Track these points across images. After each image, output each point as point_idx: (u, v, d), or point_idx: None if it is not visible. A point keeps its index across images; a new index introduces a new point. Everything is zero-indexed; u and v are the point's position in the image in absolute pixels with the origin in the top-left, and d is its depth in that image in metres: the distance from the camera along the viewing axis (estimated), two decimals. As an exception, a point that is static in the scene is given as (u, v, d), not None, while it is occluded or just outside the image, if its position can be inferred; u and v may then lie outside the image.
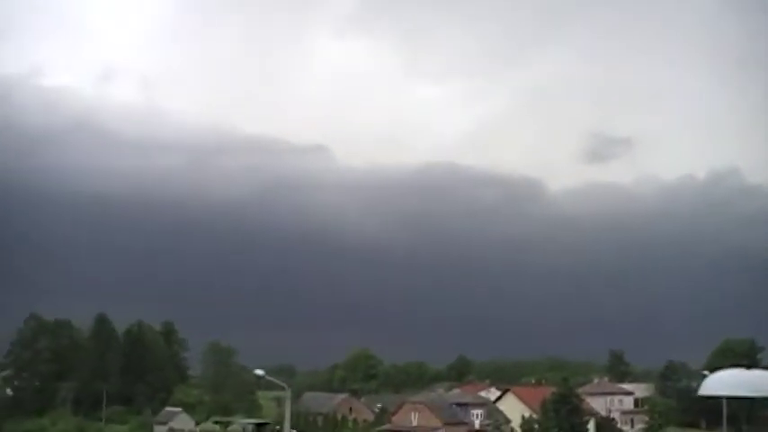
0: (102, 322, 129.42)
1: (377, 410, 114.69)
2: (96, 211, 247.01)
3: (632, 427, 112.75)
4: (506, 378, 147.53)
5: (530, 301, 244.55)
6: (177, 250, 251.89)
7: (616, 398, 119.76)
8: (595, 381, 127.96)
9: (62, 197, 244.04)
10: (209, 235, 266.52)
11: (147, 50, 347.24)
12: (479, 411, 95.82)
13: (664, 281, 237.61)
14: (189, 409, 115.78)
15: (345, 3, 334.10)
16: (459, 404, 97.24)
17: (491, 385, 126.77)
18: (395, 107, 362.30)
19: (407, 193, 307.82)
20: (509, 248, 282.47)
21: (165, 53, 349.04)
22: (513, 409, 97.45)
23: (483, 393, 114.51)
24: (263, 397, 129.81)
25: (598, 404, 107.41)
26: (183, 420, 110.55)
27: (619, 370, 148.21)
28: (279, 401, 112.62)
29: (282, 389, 54.70)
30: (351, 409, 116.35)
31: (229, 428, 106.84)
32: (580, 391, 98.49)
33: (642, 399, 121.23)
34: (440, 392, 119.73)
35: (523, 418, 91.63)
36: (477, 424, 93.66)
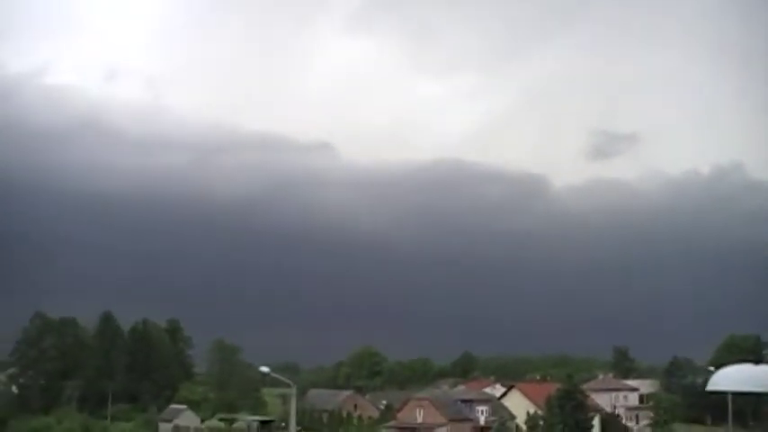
0: (107, 320, 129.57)
1: (382, 407, 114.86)
2: (101, 209, 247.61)
3: (637, 423, 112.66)
4: (511, 374, 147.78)
5: (534, 298, 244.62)
6: (182, 248, 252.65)
7: (621, 394, 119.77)
8: (600, 377, 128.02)
9: (66, 195, 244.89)
10: (213, 233, 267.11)
11: (151, 49, 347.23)
12: (484, 408, 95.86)
13: (668, 277, 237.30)
14: (194, 406, 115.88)
15: (350, 0, 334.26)
16: (463, 401, 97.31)
17: (496, 382, 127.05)
18: (399, 104, 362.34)
19: (412, 191, 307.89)
20: (514, 245, 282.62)
21: (170, 52, 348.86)
22: (518, 405, 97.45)
23: (488, 390, 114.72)
24: (268, 394, 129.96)
25: (603, 400, 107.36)
26: (189, 417, 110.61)
27: (623, 366, 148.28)
28: (284, 399, 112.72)
29: (287, 386, 54.72)
30: (356, 405, 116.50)
31: (234, 425, 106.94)
32: (585, 387, 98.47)
33: (647, 395, 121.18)
34: (444, 389, 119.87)
35: (528, 414, 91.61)
36: (482, 420, 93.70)
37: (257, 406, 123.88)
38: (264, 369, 46.94)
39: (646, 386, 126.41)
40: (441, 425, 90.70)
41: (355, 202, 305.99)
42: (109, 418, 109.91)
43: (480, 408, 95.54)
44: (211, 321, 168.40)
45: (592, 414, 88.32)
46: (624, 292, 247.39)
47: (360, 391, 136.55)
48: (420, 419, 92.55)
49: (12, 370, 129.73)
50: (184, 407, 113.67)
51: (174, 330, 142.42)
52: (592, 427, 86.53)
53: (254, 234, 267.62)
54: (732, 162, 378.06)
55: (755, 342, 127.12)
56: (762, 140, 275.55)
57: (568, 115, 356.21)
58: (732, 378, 15.62)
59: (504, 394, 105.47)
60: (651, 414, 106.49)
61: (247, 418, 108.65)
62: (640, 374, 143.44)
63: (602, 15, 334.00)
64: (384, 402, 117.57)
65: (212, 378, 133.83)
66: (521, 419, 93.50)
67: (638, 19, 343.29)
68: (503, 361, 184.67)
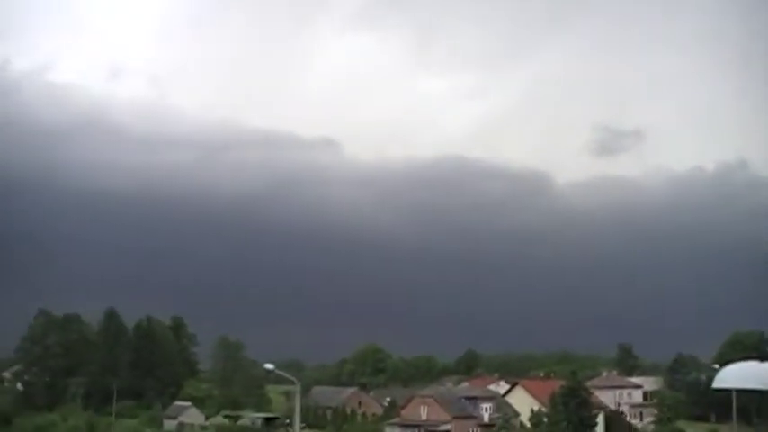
0: (111, 317, 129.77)
1: (386, 404, 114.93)
2: (104, 206, 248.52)
3: (641, 420, 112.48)
4: (515, 371, 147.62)
5: (538, 295, 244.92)
6: (186, 246, 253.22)
7: (625, 391, 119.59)
8: (604, 374, 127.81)
9: (70, 193, 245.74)
10: (217, 230, 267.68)
11: (155, 47, 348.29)
12: (488, 405, 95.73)
13: (672, 273, 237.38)
14: (198, 403, 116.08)
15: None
16: (468, 398, 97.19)
17: (500, 379, 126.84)
18: (402, 101, 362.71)
19: (415, 187, 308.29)
20: (517, 242, 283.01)
21: (174, 49, 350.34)
22: (522, 402, 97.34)
23: (492, 387, 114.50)
24: (273, 391, 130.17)
25: (607, 397, 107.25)
26: (193, 414, 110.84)
27: (627, 363, 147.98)
28: (288, 396, 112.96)
29: (292, 383, 54.76)
30: (360, 403, 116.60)
31: (239, 422, 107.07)
32: (589, 384, 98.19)
33: (651, 392, 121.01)
34: (449, 386, 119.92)
35: (532, 411, 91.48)
36: (486, 417, 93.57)
37: (261, 403, 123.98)
38: (269, 366, 46.91)
39: (650, 383, 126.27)
40: (445, 422, 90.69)
41: (358, 199, 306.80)
42: (114, 415, 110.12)
43: (484, 405, 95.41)
44: (216, 318, 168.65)
45: (596, 411, 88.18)
46: (628, 289, 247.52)
47: (364, 388, 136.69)
48: (424, 416, 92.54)
49: (16, 367, 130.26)
50: (189, 404, 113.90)
51: (178, 327, 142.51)
52: (596, 424, 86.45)
53: (257, 231, 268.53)
54: (736, 159, 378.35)
55: (759, 338, 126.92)
56: (766, 137, 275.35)
57: (572, 112, 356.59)
58: (737, 375, 15.66)
59: (509, 391, 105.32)
60: (655, 411, 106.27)
61: (252, 415, 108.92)
62: (644, 372, 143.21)
63: (605, 13, 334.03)
64: (388, 399, 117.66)
65: (216, 375, 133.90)
66: (525, 416, 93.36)
67: (642, 17, 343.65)
68: (507, 358, 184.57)
